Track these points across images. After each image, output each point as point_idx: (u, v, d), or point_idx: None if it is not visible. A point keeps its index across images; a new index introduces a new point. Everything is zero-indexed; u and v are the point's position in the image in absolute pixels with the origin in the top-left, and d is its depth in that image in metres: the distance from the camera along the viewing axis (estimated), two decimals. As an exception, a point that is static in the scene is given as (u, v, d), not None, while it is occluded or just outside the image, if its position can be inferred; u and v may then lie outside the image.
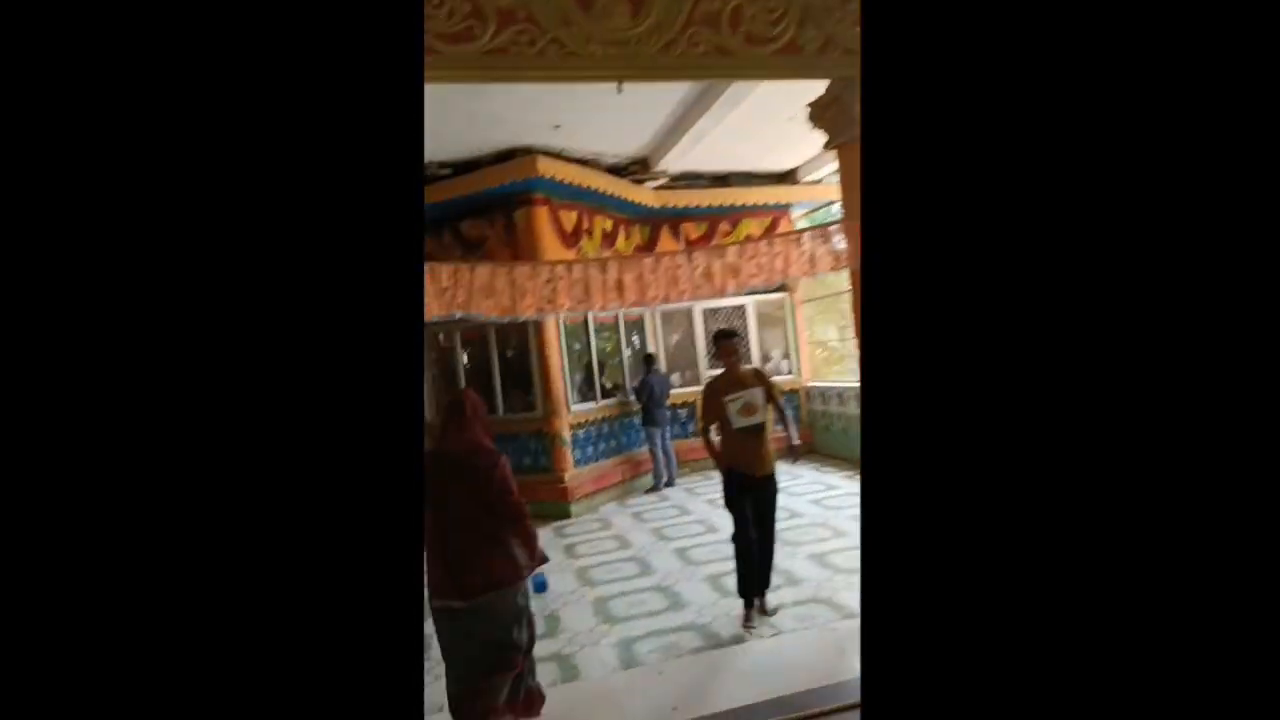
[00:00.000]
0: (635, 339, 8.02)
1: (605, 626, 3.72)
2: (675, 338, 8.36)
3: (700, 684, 2.91)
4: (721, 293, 3.27)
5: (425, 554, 2.41)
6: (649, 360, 7.32)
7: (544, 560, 2.62)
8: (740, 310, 8.44)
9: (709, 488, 7.13)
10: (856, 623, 3.40)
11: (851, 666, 3.00)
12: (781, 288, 8.49)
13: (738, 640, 3.36)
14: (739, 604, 3.83)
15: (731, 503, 3.68)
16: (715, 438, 3.65)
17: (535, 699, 2.65)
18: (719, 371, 3.61)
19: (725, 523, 5.76)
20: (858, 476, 6.81)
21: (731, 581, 4.18)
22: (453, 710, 2.42)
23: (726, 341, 3.51)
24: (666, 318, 8.30)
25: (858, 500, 5.94)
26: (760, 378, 3.66)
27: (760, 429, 3.54)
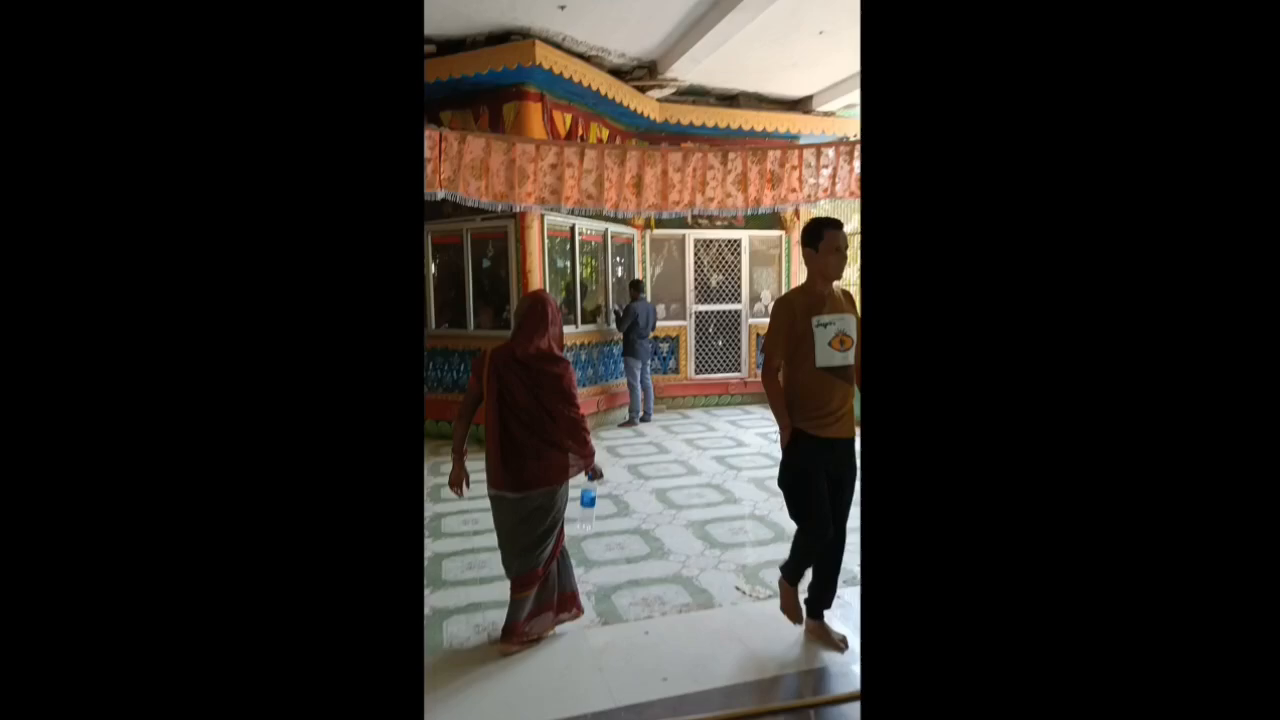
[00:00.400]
0: (620, 263, 7.49)
1: (580, 570, 3.34)
2: (659, 268, 7.84)
3: (690, 650, 2.56)
4: (755, 205, 2.77)
5: (486, 443, 2.54)
6: (636, 286, 6.81)
7: (599, 475, 2.70)
8: (735, 245, 7.94)
9: (686, 426, 6.78)
10: (852, 591, 3.08)
11: (853, 642, 2.67)
12: (779, 224, 8.01)
13: (728, 600, 3.02)
14: (726, 556, 3.49)
15: (798, 481, 2.44)
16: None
17: (573, 602, 2.75)
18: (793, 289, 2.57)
19: (705, 465, 5.45)
20: (842, 429, 6.53)
21: (717, 531, 3.86)
22: (514, 590, 2.57)
23: (833, 230, 2.35)
24: (656, 244, 7.76)
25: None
26: (852, 304, 2.54)
27: (849, 374, 2.44)
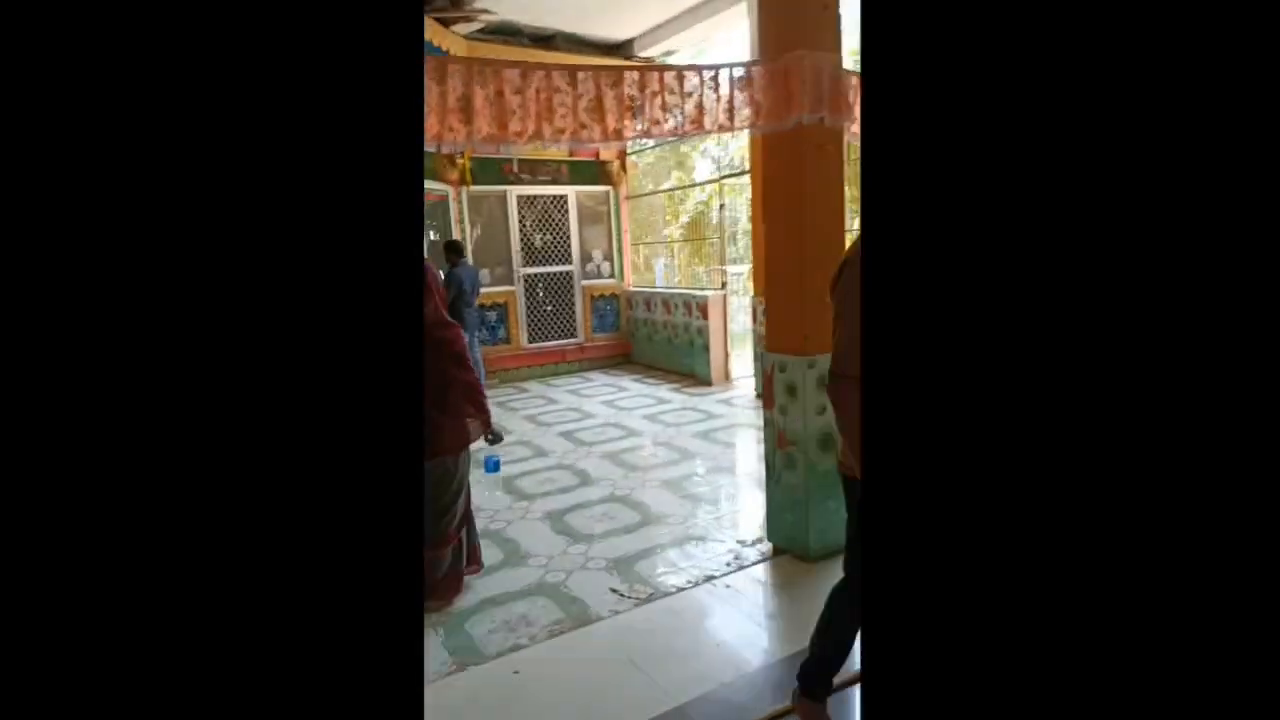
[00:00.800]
0: (433, 225, 6.65)
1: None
2: (478, 230, 7.09)
3: (576, 688, 2.10)
4: (614, 138, 2.28)
5: None
6: (454, 249, 6.03)
7: (499, 436, 2.74)
8: (561, 201, 7.38)
9: (526, 401, 6.23)
10: (743, 576, 2.80)
11: (756, 641, 2.39)
12: (606, 179, 7.58)
13: (606, 607, 2.60)
14: (594, 551, 3.07)
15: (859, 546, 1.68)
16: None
17: (475, 557, 2.89)
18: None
19: (553, 443, 4.93)
20: (686, 388, 6.34)
21: (578, 521, 3.41)
22: None
23: None
24: (474, 202, 6.99)
25: (697, 415, 5.46)
26: None
27: None
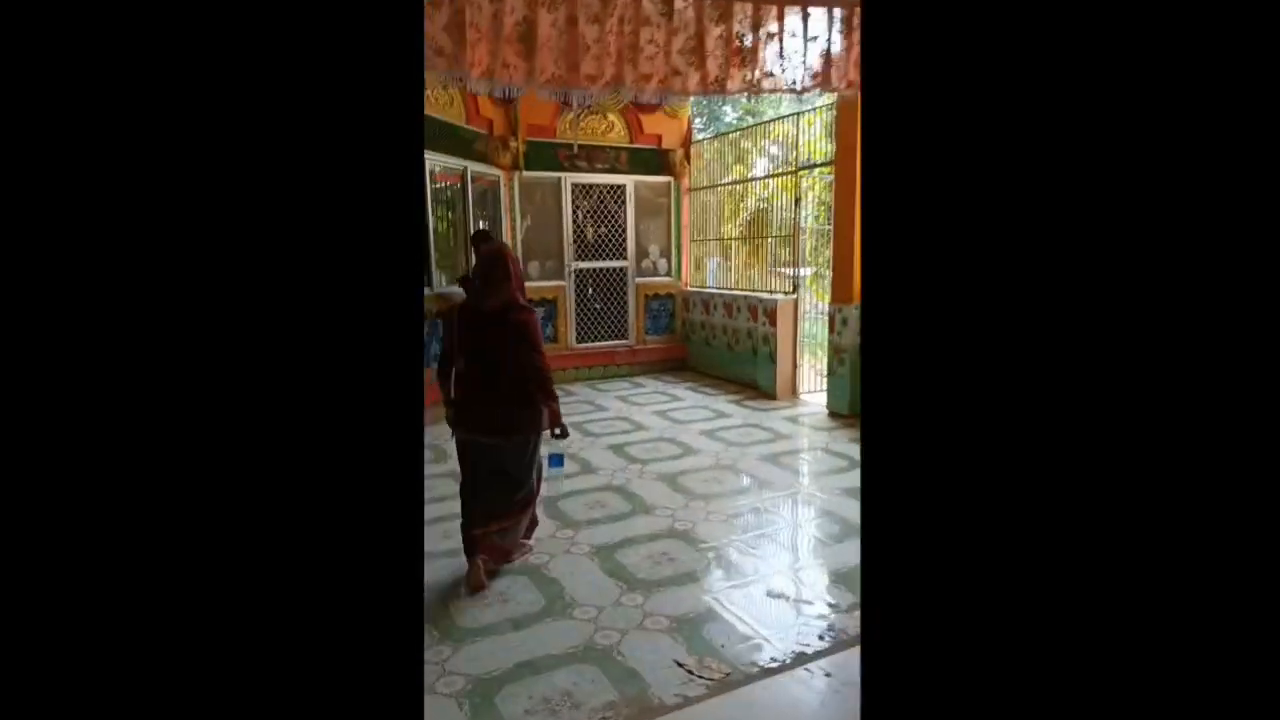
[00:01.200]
0: (485, 215, 6.22)
1: (443, 647, 2.25)
2: (528, 220, 6.60)
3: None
4: (715, 90, 1.75)
5: (453, 391, 2.73)
6: (481, 239, 5.19)
7: (565, 432, 2.73)
8: (618, 191, 6.88)
9: (572, 406, 5.73)
10: (847, 658, 2.24)
11: None
12: (667, 169, 7.05)
13: (670, 687, 2.06)
14: (651, 604, 2.53)
15: None
16: None
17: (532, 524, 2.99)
18: None
19: (601, 458, 4.24)
20: (749, 401, 5.77)
21: (630, 560, 2.85)
22: (466, 529, 2.69)
23: None
24: (526, 190, 6.53)
25: (763, 434, 4.89)
26: None
27: None
